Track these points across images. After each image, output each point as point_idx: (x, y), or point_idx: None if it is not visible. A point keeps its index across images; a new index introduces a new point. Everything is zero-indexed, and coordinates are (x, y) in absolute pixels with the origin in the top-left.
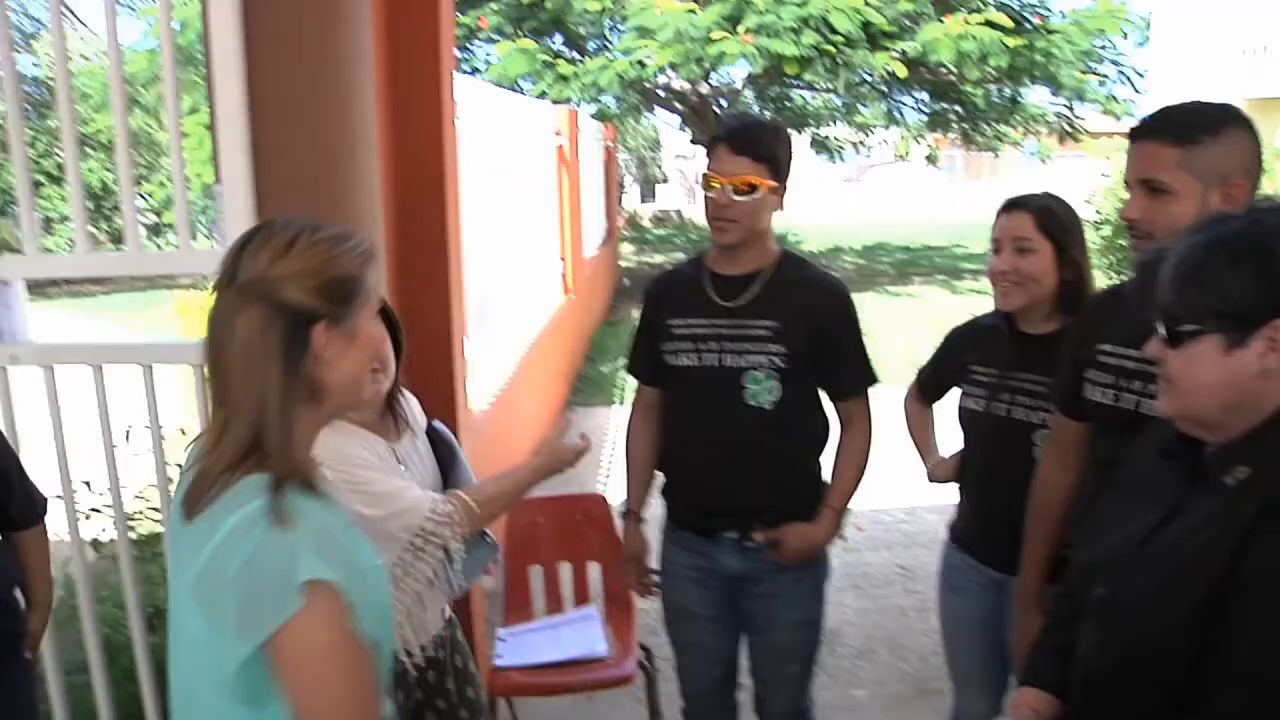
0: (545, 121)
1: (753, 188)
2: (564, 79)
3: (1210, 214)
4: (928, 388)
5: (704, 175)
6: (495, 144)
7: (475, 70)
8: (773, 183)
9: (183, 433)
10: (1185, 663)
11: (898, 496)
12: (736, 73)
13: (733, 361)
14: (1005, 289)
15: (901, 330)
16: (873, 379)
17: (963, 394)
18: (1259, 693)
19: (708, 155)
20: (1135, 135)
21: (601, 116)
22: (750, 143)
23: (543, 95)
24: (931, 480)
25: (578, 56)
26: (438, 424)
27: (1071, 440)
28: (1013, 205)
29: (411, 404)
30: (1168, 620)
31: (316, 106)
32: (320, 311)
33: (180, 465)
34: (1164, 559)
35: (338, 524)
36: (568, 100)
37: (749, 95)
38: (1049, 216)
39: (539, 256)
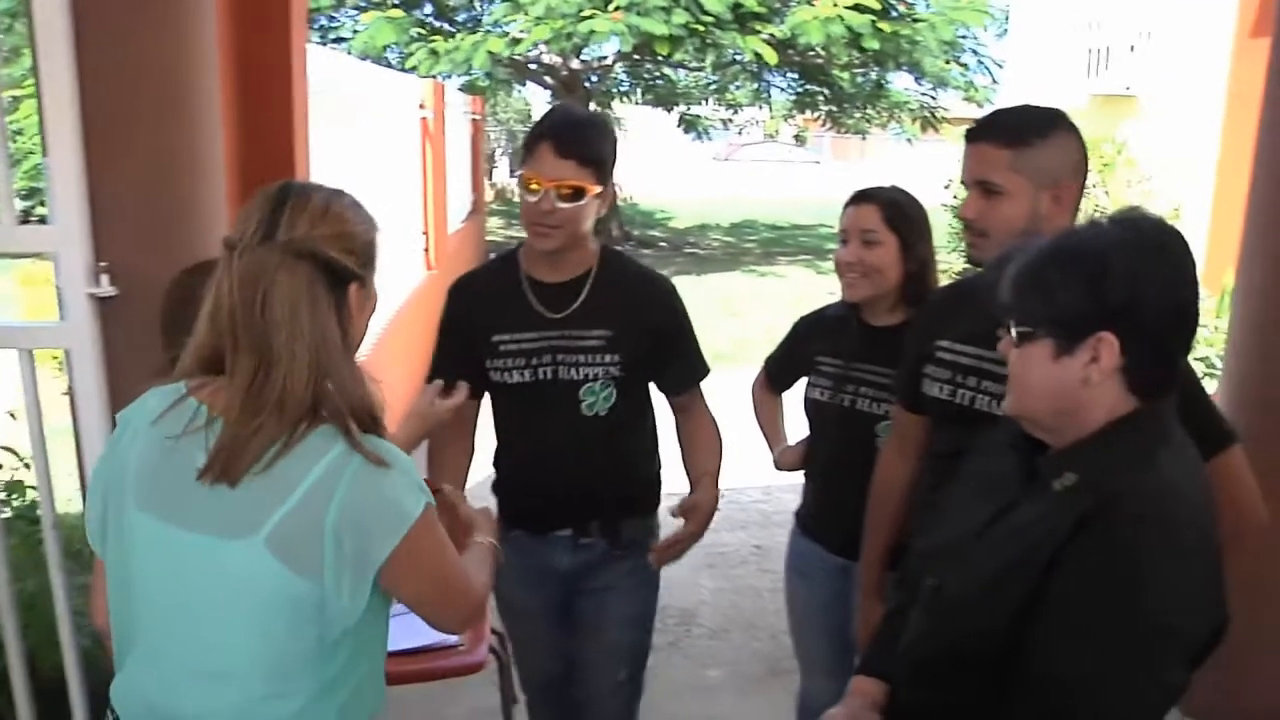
0: (409, 94)
1: (578, 192)
2: (436, 54)
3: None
4: (775, 377)
5: (523, 175)
6: (353, 117)
7: (341, 40)
8: (599, 187)
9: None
10: (1000, 660)
11: (754, 476)
12: (609, 48)
13: (567, 374)
14: (851, 280)
15: (766, 309)
16: (706, 370)
17: (808, 384)
18: (1041, 712)
19: (526, 152)
20: (970, 137)
21: (470, 89)
22: (576, 144)
23: (413, 69)
24: (778, 468)
25: (448, 28)
26: None
27: (912, 433)
28: (860, 197)
29: None
30: (988, 616)
31: (155, 72)
32: (357, 272)
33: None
34: (994, 554)
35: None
36: (438, 75)
37: (620, 71)
38: (896, 210)
39: (400, 231)
